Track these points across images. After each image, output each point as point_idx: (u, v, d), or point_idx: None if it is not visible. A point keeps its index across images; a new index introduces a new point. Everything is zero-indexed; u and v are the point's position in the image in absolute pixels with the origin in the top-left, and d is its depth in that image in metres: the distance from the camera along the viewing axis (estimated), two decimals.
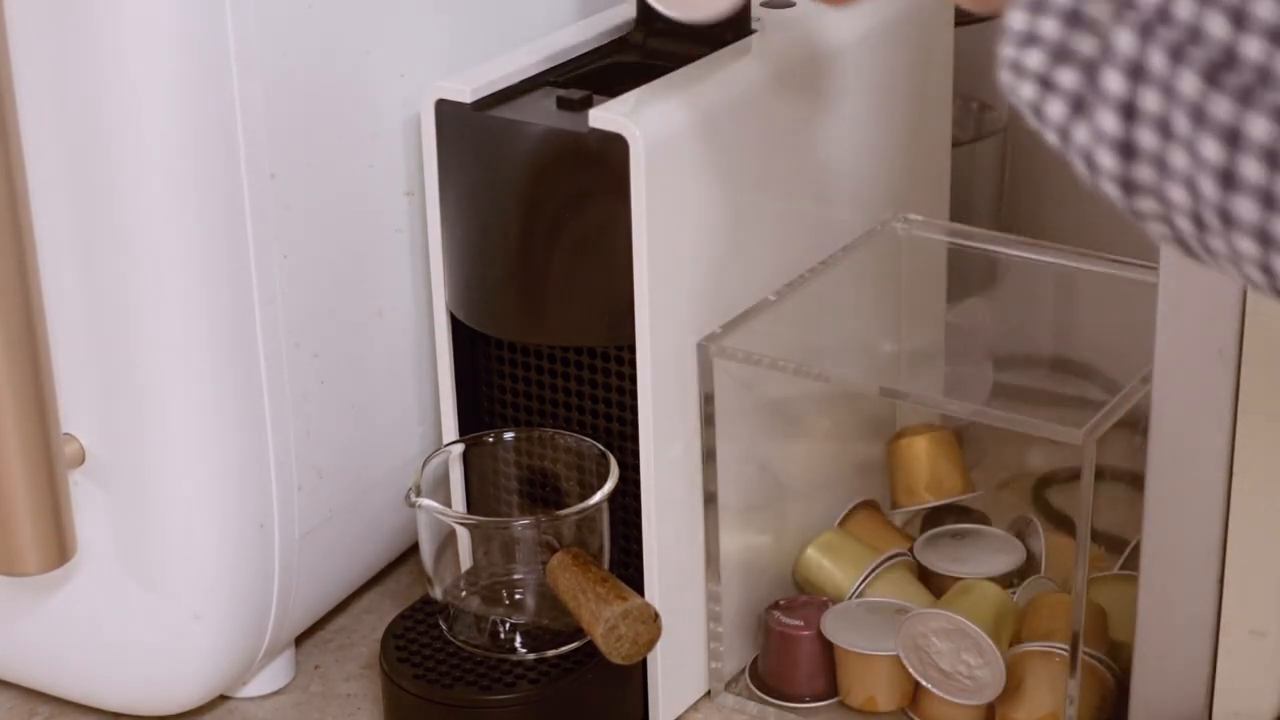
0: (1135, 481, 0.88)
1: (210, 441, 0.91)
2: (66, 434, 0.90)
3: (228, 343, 0.90)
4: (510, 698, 0.93)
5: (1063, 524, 1.05)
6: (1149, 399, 0.85)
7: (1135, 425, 0.88)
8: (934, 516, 1.07)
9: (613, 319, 0.92)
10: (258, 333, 0.91)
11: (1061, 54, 0.54)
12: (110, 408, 0.90)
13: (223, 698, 1.02)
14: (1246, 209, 0.50)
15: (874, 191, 1.06)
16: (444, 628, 0.96)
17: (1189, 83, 0.51)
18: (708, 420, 0.96)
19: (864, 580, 1.01)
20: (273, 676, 1.02)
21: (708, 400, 0.95)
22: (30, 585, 0.94)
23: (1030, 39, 0.55)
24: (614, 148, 0.88)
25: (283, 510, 0.95)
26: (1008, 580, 1.02)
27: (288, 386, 0.94)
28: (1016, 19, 0.55)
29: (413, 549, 1.08)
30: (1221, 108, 0.50)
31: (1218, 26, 0.50)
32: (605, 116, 0.89)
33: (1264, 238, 0.50)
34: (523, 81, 0.94)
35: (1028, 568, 1.03)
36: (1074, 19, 0.54)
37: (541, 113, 0.92)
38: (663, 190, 0.90)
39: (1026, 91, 0.55)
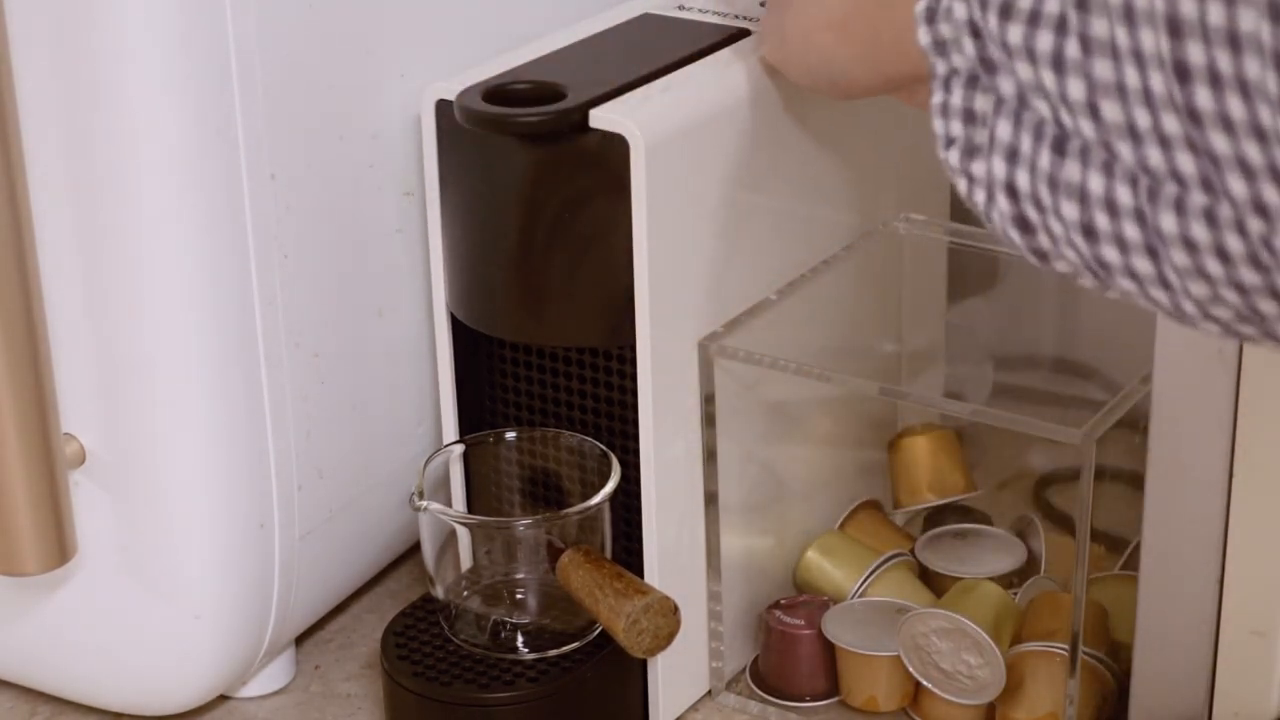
0: (1135, 481, 0.88)
1: (210, 441, 0.91)
2: (66, 434, 0.90)
3: (228, 343, 0.90)
4: (510, 696, 0.93)
5: (1063, 524, 1.05)
6: (1149, 399, 0.85)
7: (1135, 425, 0.88)
8: (935, 516, 1.07)
9: (613, 319, 0.92)
10: (258, 333, 0.91)
11: (969, 149, 0.63)
12: (110, 408, 0.90)
13: (223, 698, 1.02)
14: (1112, 255, 0.59)
15: (874, 191, 1.06)
16: (445, 627, 0.96)
17: (1045, 158, 0.60)
18: (708, 420, 0.96)
19: (865, 581, 1.01)
20: (273, 676, 1.02)
21: (708, 400, 0.95)
22: (30, 585, 0.95)
23: (948, 140, 0.64)
24: (614, 148, 0.88)
25: (283, 510, 0.95)
26: (1009, 580, 1.02)
27: (288, 386, 0.94)
28: (935, 123, 0.65)
29: (413, 549, 1.09)
30: (1069, 172, 0.59)
31: (1043, 107, 0.60)
32: (605, 116, 0.89)
33: (1133, 275, 0.59)
34: None
35: (1028, 568, 1.03)
36: (969, 116, 0.63)
37: None
38: (663, 190, 0.90)
39: (961, 185, 0.64)
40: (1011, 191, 0.62)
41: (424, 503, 0.94)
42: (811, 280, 1.01)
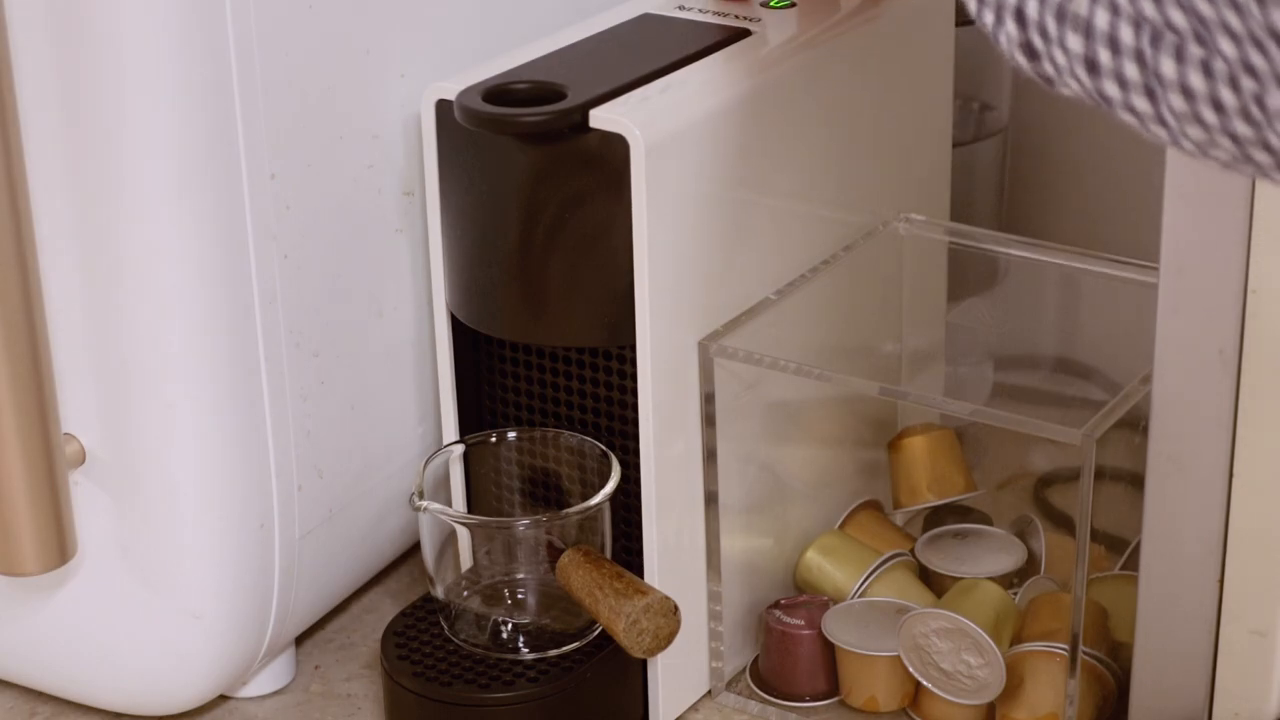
0: (1135, 481, 0.88)
1: (210, 441, 0.91)
2: (66, 434, 0.90)
3: (228, 342, 0.90)
4: (510, 696, 0.93)
5: (1063, 524, 1.05)
6: (1149, 399, 0.85)
7: (1135, 425, 0.88)
8: (935, 516, 1.07)
9: (613, 319, 0.92)
10: (258, 333, 0.91)
11: None
12: (110, 408, 0.90)
13: (223, 698, 1.02)
14: (1113, 91, 0.61)
15: (874, 191, 1.06)
16: (445, 627, 0.96)
17: None
18: (708, 420, 0.96)
19: (865, 581, 1.01)
20: (273, 676, 1.02)
21: (708, 400, 0.95)
22: (30, 585, 0.95)
23: None
24: (614, 148, 0.88)
25: (283, 510, 0.95)
26: (1009, 580, 1.02)
27: (288, 386, 0.94)
28: None
29: (413, 549, 1.09)
30: (1077, 4, 0.60)
31: None
32: (605, 116, 0.89)
33: (1132, 111, 0.61)
34: None
35: (1029, 568, 1.03)
36: None
37: None
38: (663, 190, 0.90)
39: (970, 5, 0.64)
40: (1020, 17, 0.63)
41: (424, 503, 0.94)
42: (811, 280, 1.01)
